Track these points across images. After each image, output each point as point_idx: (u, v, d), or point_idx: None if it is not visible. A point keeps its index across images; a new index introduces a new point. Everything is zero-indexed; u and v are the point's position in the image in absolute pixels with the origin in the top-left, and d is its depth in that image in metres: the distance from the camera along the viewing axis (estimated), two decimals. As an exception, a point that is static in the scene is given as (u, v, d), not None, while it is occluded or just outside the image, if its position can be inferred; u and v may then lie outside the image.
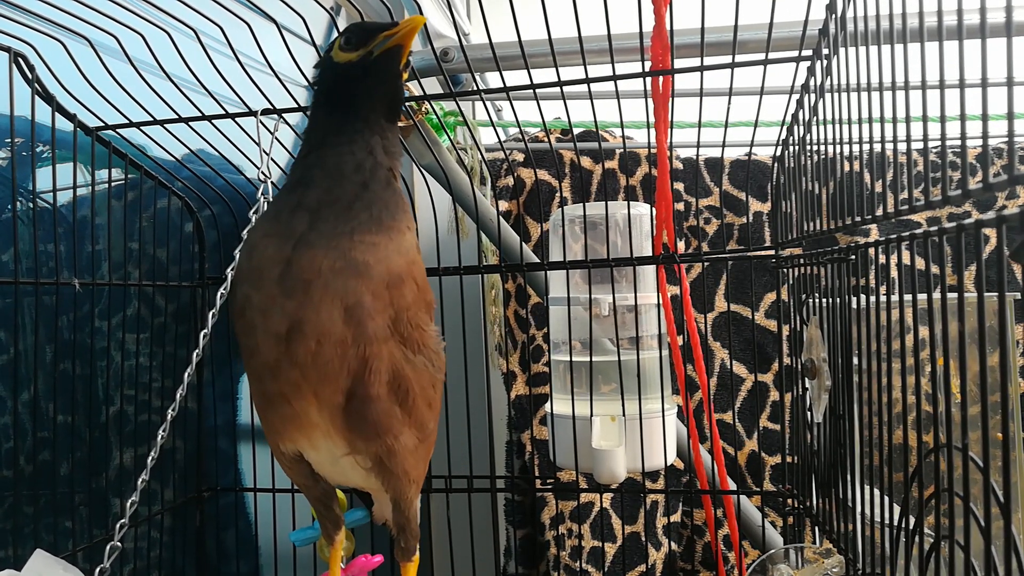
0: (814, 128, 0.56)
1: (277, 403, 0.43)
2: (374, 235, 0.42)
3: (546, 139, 1.08)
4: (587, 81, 0.60)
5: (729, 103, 0.63)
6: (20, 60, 0.54)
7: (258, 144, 0.62)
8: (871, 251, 0.51)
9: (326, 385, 0.42)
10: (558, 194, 1.07)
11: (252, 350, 0.43)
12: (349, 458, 0.45)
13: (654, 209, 0.70)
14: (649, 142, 0.65)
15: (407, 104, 0.67)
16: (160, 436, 0.55)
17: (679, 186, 1.09)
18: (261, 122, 0.63)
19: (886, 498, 0.47)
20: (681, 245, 1.07)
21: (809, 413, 0.65)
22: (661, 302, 0.71)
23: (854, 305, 0.53)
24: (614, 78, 0.60)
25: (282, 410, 0.44)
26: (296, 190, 0.44)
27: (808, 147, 0.58)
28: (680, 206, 1.09)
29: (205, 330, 0.58)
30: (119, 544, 0.51)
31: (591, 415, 0.68)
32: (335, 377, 0.42)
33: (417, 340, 0.44)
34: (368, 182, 0.43)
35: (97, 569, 0.49)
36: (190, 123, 0.64)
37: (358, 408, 0.43)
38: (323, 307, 0.40)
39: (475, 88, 0.63)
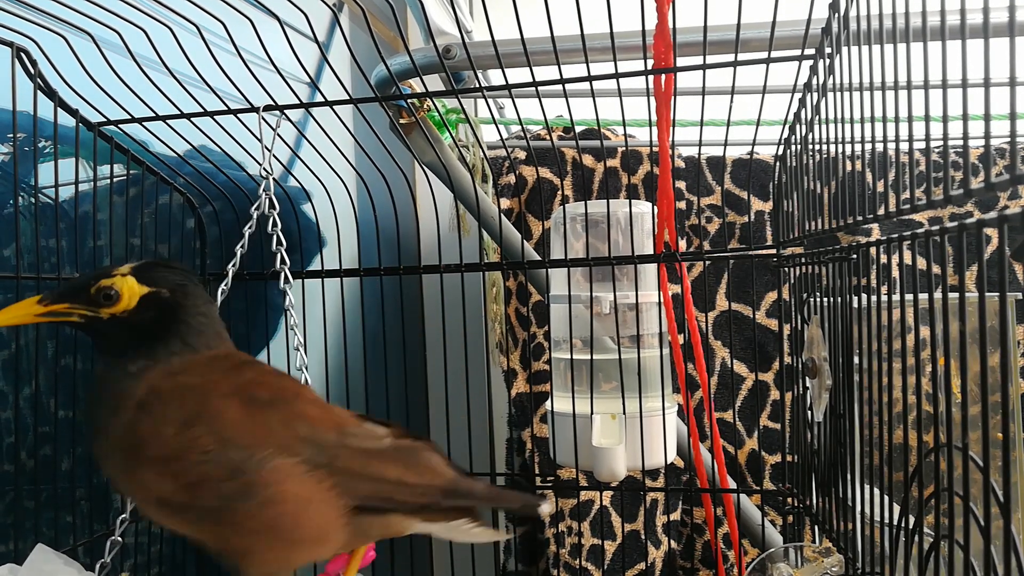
0: (816, 127, 0.56)
1: None
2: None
3: (548, 137, 1.08)
4: (589, 79, 0.60)
5: (731, 102, 0.63)
6: (23, 55, 0.54)
7: (260, 140, 0.62)
8: (872, 250, 0.50)
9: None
10: (560, 192, 1.07)
11: None
12: None
13: (656, 207, 0.70)
14: (651, 140, 0.65)
15: (409, 101, 0.67)
16: (161, 431, 0.55)
17: (681, 184, 1.09)
18: (263, 118, 0.63)
19: (886, 497, 0.47)
20: (683, 244, 1.07)
21: (809, 412, 0.65)
22: (662, 300, 0.71)
23: (855, 304, 0.53)
24: (616, 76, 0.60)
25: None
26: None
27: (810, 146, 0.58)
28: (682, 204, 1.09)
29: (206, 326, 0.58)
30: (120, 539, 0.51)
31: (591, 413, 0.68)
32: None
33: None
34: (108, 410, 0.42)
35: (98, 564, 0.49)
36: (192, 119, 0.64)
37: None
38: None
39: (477, 85, 0.63)
